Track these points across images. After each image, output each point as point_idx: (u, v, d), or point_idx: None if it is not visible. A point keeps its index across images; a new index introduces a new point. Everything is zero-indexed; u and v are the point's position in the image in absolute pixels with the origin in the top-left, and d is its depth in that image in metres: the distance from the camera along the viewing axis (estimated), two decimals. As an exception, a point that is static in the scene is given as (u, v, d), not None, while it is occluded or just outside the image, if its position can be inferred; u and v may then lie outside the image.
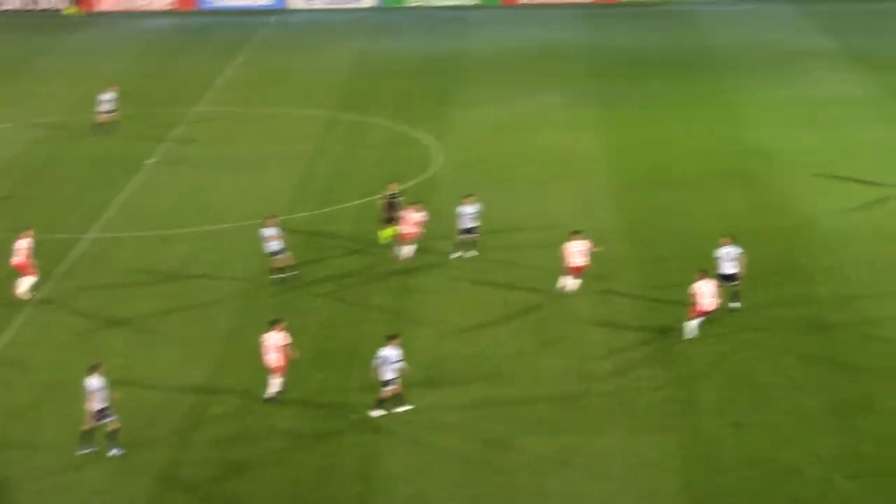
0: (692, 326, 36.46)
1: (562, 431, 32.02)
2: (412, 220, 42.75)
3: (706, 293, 36.26)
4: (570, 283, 40.06)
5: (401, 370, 32.61)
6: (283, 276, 41.35)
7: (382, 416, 32.56)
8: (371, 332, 37.24)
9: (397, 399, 32.82)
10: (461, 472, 30.43)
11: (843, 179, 50.99)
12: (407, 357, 33.09)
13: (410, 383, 33.45)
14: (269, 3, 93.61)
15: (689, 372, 34.88)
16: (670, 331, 37.26)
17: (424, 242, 43.56)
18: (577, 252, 39.76)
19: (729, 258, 38.49)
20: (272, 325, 33.89)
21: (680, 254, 43.25)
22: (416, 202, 44.09)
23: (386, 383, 32.53)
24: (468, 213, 42.99)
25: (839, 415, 32.38)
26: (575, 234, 40.33)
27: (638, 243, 44.38)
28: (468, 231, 43.04)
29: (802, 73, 69.53)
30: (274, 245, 41.42)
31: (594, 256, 40.20)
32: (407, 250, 42.97)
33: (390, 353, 32.54)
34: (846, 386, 33.88)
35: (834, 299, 39.33)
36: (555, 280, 40.46)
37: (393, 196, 44.58)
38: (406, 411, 32.83)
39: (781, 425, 31.90)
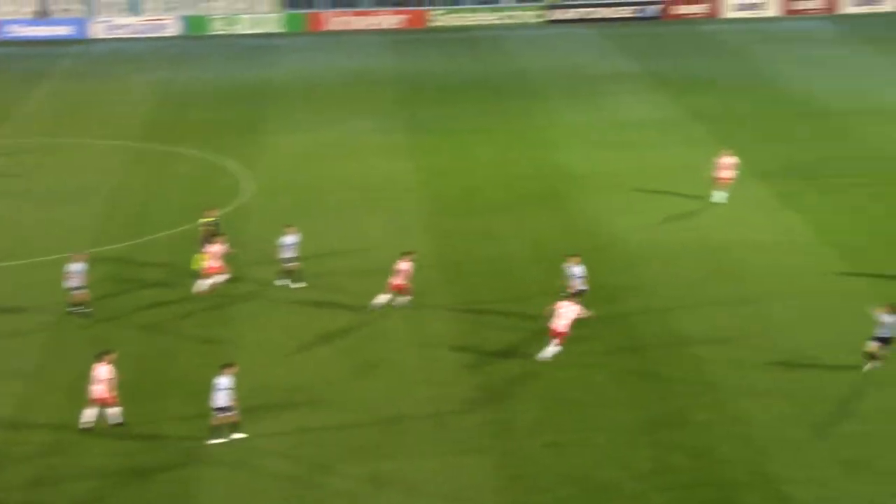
0: (550, 351, 36.75)
1: (380, 457, 31.86)
2: (214, 253, 42.21)
3: (563, 315, 36.59)
4: (384, 298, 40.40)
5: (233, 398, 32.26)
6: (80, 310, 40.39)
7: (212, 445, 32.10)
8: (186, 363, 36.61)
9: (233, 426, 32.44)
10: (281, 498, 30.03)
11: (647, 199, 52.14)
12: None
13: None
14: (70, 33, 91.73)
15: (504, 393, 35.08)
16: (484, 352, 37.49)
17: (239, 271, 43.03)
18: (402, 272, 40.06)
19: (578, 277, 39.42)
20: (99, 356, 33.04)
21: (491, 277, 43.63)
22: (218, 235, 43.50)
23: (220, 410, 32.12)
24: (289, 242, 42.61)
25: (653, 429, 32.93)
26: (406, 254, 40.62)
27: (450, 267, 44.57)
28: (289, 260, 42.66)
29: (606, 96, 71.06)
30: (74, 282, 40.49)
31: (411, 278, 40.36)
32: (207, 283, 42.28)
33: (224, 380, 32.17)
34: (658, 401, 34.49)
35: (642, 315, 40.08)
36: (367, 307, 40.53)
37: (210, 224, 44.13)
38: (236, 439, 32.44)
39: (597, 442, 32.29)
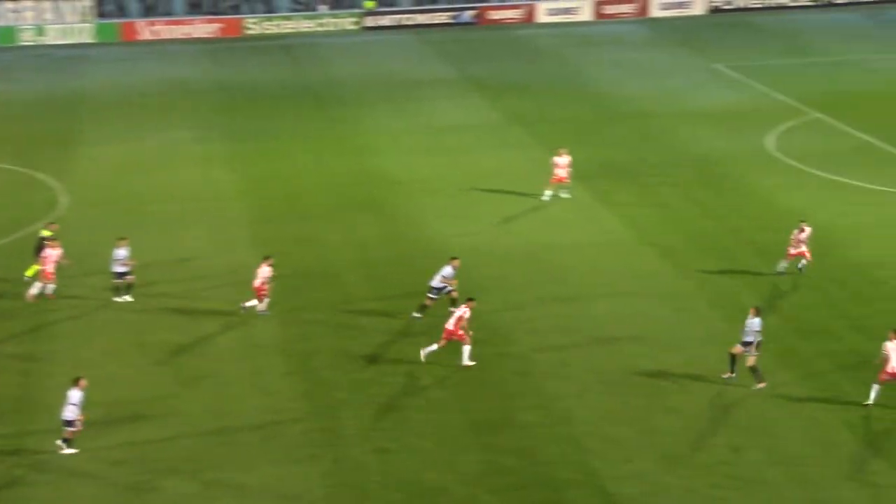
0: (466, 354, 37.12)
1: (209, 467, 31.56)
2: (50, 258, 41.55)
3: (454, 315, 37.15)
4: (251, 303, 40.52)
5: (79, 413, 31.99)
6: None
7: (22, 465, 31.50)
8: (2, 381, 35.84)
9: (68, 441, 32.07)
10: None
11: (469, 203, 52.64)
12: (41, 404, 31.91)
13: (48, 430, 32.31)
14: None
15: (331, 401, 35.06)
16: (311, 360, 37.43)
17: (62, 283, 42.14)
18: (262, 276, 40.17)
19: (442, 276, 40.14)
20: None
21: (315, 283, 43.55)
22: (51, 240, 42.69)
23: (69, 423, 31.87)
24: (120, 256, 41.81)
25: (479, 432, 33.28)
26: (266, 258, 40.82)
27: (275, 274, 44.32)
28: (122, 274, 41.84)
29: (424, 101, 71.47)
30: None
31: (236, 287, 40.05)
32: (40, 289, 41.54)
33: (74, 394, 31.91)
34: (485, 403, 34.86)
35: (474, 319, 40.36)
36: (193, 319, 40.14)
37: (49, 238, 43.08)
38: (62, 454, 32.05)
39: (425, 447, 32.50)
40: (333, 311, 41.18)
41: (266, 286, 40.50)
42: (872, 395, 34.05)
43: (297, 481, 30.94)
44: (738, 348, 35.65)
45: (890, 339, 34.19)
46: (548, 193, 52.84)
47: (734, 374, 35.64)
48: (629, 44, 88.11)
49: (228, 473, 31.32)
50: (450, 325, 36.94)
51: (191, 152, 61.32)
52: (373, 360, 37.63)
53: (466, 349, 36.91)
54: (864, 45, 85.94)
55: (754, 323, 35.56)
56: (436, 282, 40.30)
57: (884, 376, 34.03)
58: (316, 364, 37.30)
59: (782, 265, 44.07)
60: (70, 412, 31.91)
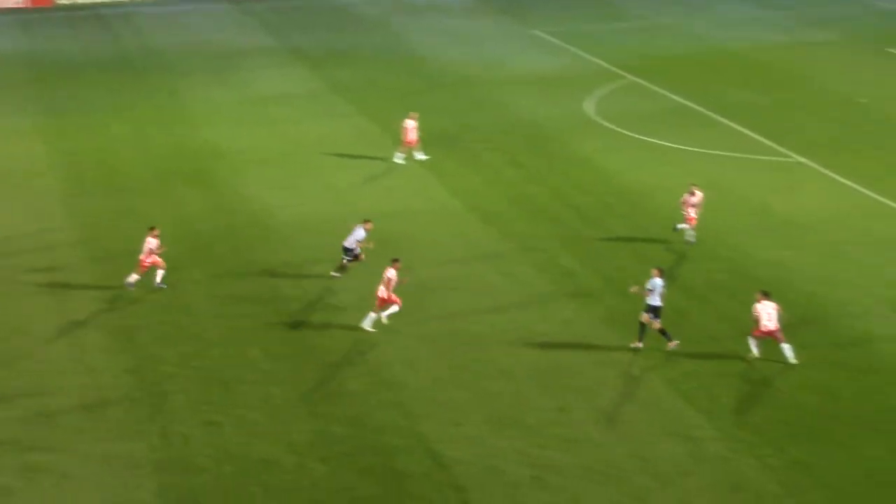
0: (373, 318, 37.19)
1: (31, 449, 30.88)
2: None
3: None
4: (133, 278, 39.98)
5: None
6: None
7: None
8: None
9: None
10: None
11: (296, 174, 52.41)
12: None
13: None
14: None
15: (156, 376, 34.64)
16: (133, 335, 36.93)
17: None
18: (148, 247, 39.79)
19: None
20: None
21: (137, 258, 42.91)
22: None
23: None
24: None
25: (309, 402, 33.25)
26: (151, 229, 40.30)
27: (94, 247, 43.56)
28: None
29: (247, 71, 70.78)
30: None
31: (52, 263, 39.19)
32: None
33: None
34: (313, 373, 34.83)
35: (297, 290, 40.31)
36: (9, 298, 39.29)
37: None
38: None
39: (254, 419, 32.35)
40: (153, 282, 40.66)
41: (152, 258, 39.74)
42: (753, 348, 35.03)
43: (125, 457, 30.50)
44: (645, 316, 35.75)
45: (758, 301, 35.04)
46: (399, 156, 53.32)
47: (641, 344, 35.77)
48: (451, 11, 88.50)
49: (54, 454, 30.72)
50: (381, 291, 37.10)
51: (1, 126, 59.68)
52: (199, 333, 37.27)
53: (394, 308, 37.29)
54: (676, 9, 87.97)
55: (657, 283, 35.75)
56: (349, 243, 40.84)
57: (757, 332, 34.99)
58: (141, 339, 36.79)
59: (689, 233, 44.05)
60: None
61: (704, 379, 34.28)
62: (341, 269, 41.10)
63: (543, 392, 33.67)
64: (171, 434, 31.64)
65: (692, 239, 44.12)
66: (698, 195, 44.23)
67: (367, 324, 37.27)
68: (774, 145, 55.59)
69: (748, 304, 35.91)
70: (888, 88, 65.09)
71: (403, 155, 53.43)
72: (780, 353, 34.91)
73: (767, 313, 34.82)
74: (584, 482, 29.31)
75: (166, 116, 61.49)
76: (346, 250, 40.96)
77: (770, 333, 34.84)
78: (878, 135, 57.14)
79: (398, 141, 53.76)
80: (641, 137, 56.72)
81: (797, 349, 35.32)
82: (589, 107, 62.21)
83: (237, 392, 33.78)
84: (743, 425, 31.77)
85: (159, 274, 40.06)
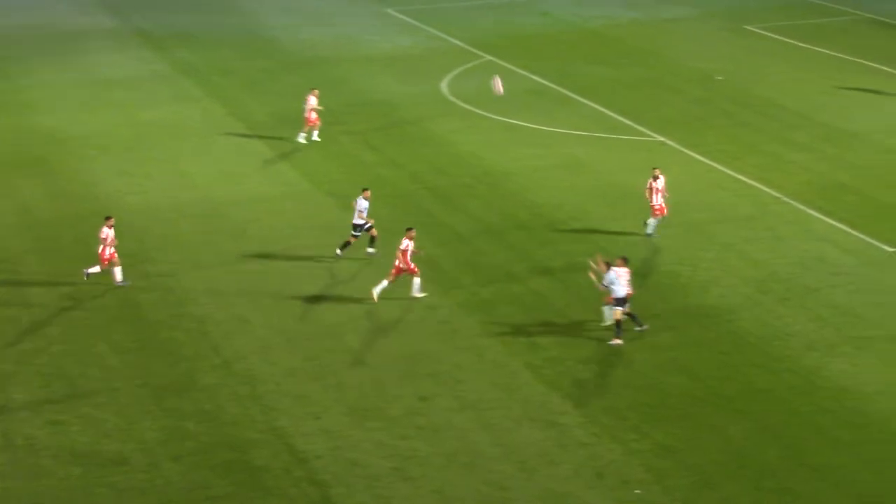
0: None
1: None
2: None
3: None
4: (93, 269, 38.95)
5: None
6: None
7: None
8: None
9: None
10: None
11: (142, 160, 51.44)
12: None
13: None
14: None
15: (-3, 374, 33.79)
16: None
17: None
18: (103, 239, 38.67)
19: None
20: None
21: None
22: None
23: None
24: None
25: (159, 397, 32.58)
26: (107, 219, 39.15)
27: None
28: None
29: (89, 53, 69.23)
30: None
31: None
32: None
33: None
34: (164, 369, 34.14)
35: (143, 280, 39.54)
36: None
37: None
38: None
39: (101, 417, 31.56)
40: (-4, 277, 39.60)
41: (108, 251, 38.69)
42: (606, 315, 35.62)
43: (-37, 463, 29.59)
44: (617, 312, 35.14)
45: (617, 265, 35.45)
46: (302, 136, 52.96)
47: (621, 341, 35.18)
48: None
49: None
50: (399, 261, 37.38)
51: None
52: (39, 327, 36.31)
53: (416, 281, 37.62)
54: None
55: (619, 273, 35.15)
56: (356, 219, 40.68)
57: (608, 300, 35.40)
58: (-24, 335, 35.76)
59: (651, 224, 42.99)
60: None
61: (568, 364, 34.39)
62: (345, 246, 41.07)
63: (403, 381, 33.46)
64: (12, 436, 30.72)
65: (652, 231, 43.01)
66: (661, 179, 42.92)
67: (376, 292, 37.38)
68: (634, 124, 56.10)
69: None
70: (745, 65, 66.14)
71: (304, 134, 53.02)
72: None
73: (626, 280, 35.14)
74: (447, 472, 29.15)
75: (2, 101, 59.82)
76: (356, 227, 40.72)
77: (624, 301, 35.15)
78: (735, 113, 58.01)
79: (246, 123, 53.02)
80: (500, 118, 56.79)
81: (663, 331, 35.71)
82: (444, 86, 62.14)
83: (83, 389, 32.96)
84: (607, 410, 31.90)
85: (118, 271, 38.88)
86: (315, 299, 38.40)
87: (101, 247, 38.79)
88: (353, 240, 41.04)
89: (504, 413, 31.84)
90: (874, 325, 36.55)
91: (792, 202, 46.48)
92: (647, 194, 43.27)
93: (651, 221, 43.07)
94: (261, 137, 53.90)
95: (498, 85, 31.00)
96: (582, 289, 38.79)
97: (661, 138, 54.14)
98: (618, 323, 35.33)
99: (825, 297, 38.37)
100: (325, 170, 50.43)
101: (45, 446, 30.30)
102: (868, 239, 42.92)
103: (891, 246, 42.38)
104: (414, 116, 57.33)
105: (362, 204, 40.98)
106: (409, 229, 38.13)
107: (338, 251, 41.15)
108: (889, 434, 30.83)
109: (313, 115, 53.04)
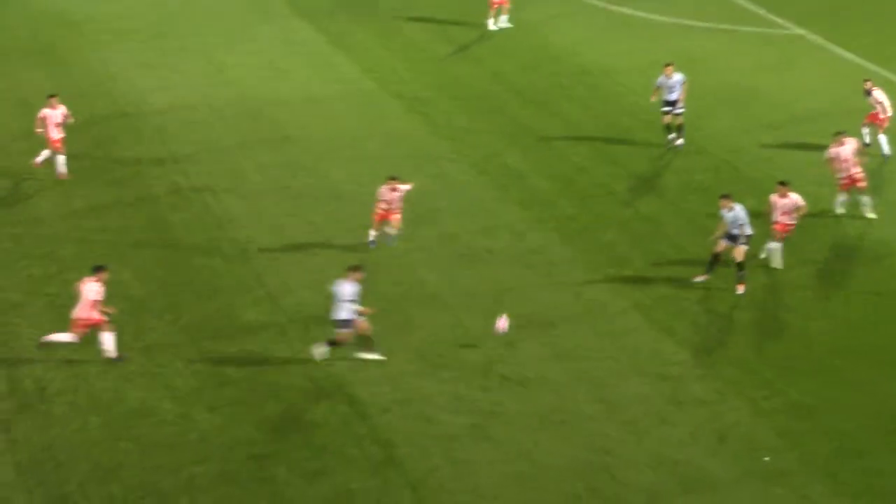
0: None
1: None
2: None
3: None
4: None
5: None
6: None
7: None
8: None
9: None
10: None
11: (167, 50, 51.89)
12: None
13: None
14: None
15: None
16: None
17: None
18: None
19: None
20: None
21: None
22: None
23: None
24: None
25: (192, 337, 32.85)
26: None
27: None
28: None
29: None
30: None
31: None
32: None
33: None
34: (198, 303, 34.48)
35: (168, 197, 39.97)
36: None
37: None
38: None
39: (125, 358, 32.02)
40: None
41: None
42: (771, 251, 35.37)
43: None
44: (721, 244, 35.05)
45: (780, 194, 35.61)
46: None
47: (708, 275, 35.33)
48: None
49: None
50: (381, 206, 36.74)
51: None
52: (51, 251, 36.90)
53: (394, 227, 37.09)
54: None
55: (740, 216, 34.72)
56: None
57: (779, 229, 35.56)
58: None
59: (838, 202, 39.14)
60: None
61: (684, 304, 34.38)
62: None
63: (486, 323, 33.56)
64: (20, 378, 31.22)
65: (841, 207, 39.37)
66: (849, 144, 38.66)
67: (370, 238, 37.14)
68: (766, 13, 55.63)
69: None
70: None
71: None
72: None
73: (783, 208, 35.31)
74: (538, 433, 29.21)
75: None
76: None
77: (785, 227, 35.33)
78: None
79: (302, 7, 53.02)
80: (603, 4, 56.48)
81: (801, 266, 35.67)
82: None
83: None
84: (732, 361, 31.91)
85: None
86: (376, 223, 38.52)
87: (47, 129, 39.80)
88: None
89: (607, 364, 31.89)
90: None
91: None
92: (831, 165, 38.98)
93: (840, 199, 39.14)
94: (310, 22, 53.96)
95: (502, 324, 31.52)
96: (698, 215, 38.69)
97: (800, 30, 53.65)
98: (715, 256, 35.23)
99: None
100: (388, 65, 50.49)
101: (59, 391, 30.75)
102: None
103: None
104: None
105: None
106: (393, 178, 36.88)
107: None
108: None
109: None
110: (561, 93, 48.00)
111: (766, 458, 28.45)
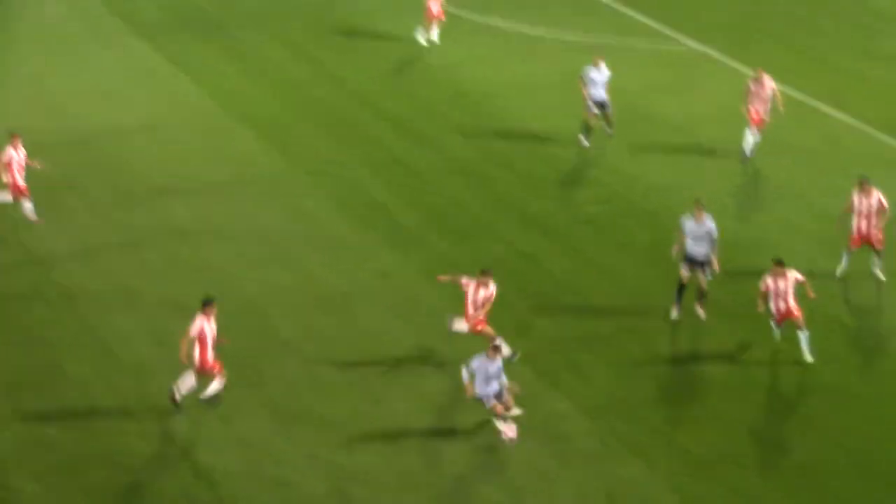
0: None
1: None
2: None
3: None
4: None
5: None
6: None
7: None
8: None
9: None
10: None
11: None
12: None
13: None
14: None
15: None
16: None
17: None
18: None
19: None
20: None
21: None
22: None
23: None
24: None
25: (13, 396, 32.49)
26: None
27: None
28: None
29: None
30: None
31: None
32: None
33: None
34: (18, 357, 34.12)
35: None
36: None
37: None
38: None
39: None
40: None
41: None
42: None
43: None
44: (684, 272, 35.50)
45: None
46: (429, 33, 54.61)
47: (677, 309, 35.84)
48: None
49: None
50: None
51: None
52: None
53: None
54: None
55: (712, 230, 35.10)
56: None
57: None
58: None
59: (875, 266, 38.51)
60: None
61: (571, 353, 34.69)
62: None
63: (346, 374, 33.53)
64: None
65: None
66: (876, 196, 37.74)
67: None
68: (661, 26, 56.29)
69: (629, 238, 36.33)
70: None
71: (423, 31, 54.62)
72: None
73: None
74: (405, 496, 29.23)
75: None
76: None
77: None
78: (803, 16, 58.25)
79: (139, 25, 53.01)
80: (483, 20, 56.91)
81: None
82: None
83: None
84: (622, 414, 32.21)
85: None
86: (223, 263, 38.33)
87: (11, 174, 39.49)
88: None
89: (484, 416, 31.91)
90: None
91: (870, 130, 47.02)
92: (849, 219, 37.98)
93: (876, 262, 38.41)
94: (147, 40, 53.91)
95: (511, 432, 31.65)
96: (586, 251, 39.10)
97: (698, 46, 54.30)
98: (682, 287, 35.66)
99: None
100: (238, 87, 50.53)
101: None
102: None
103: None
104: (363, 15, 57.43)
105: None
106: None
107: None
108: None
109: (436, 8, 53.65)
110: (434, 118, 48.18)
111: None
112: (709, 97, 50.31)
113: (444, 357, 34.25)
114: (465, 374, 30.94)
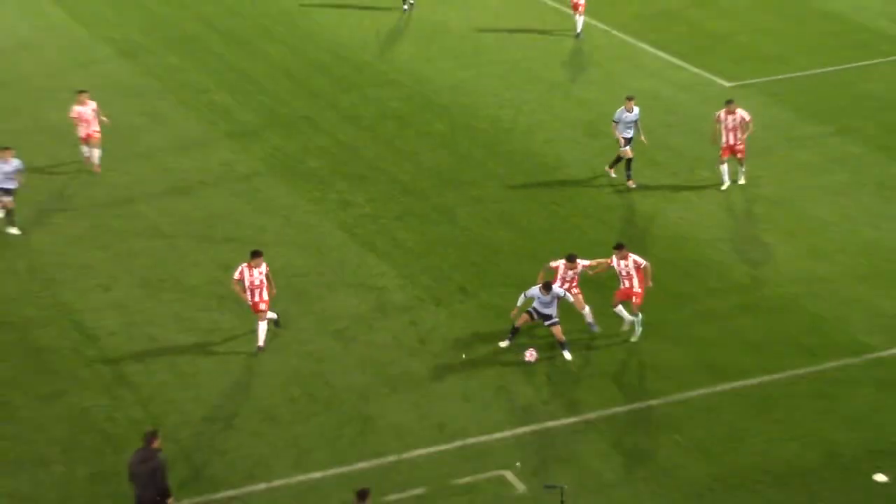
0: None
1: None
2: None
3: None
4: None
5: None
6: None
7: None
8: None
9: None
10: None
11: None
12: None
13: None
14: None
15: None
16: None
17: None
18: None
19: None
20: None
21: None
22: None
23: None
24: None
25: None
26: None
27: None
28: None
29: None
30: None
31: None
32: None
33: None
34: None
35: None
36: None
37: None
38: None
39: None
40: None
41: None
42: None
43: None
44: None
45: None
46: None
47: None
48: None
49: None
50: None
51: None
52: None
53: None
54: None
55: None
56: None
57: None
58: None
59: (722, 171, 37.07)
60: None
61: (383, 222, 34.97)
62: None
63: (199, 248, 33.60)
64: None
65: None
66: (738, 114, 36.48)
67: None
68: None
69: (427, 136, 36.62)
70: None
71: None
72: None
73: None
74: (254, 345, 29.37)
75: None
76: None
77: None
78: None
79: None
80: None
81: (488, 180, 36.40)
82: None
83: None
84: (429, 270, 32.66)
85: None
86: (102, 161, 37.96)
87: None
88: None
89: (316, 279, 32.24)
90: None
91: (621, 35, 47.69)
92: (717, 131, 36.84)
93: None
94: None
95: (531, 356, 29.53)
96: (394, 139, 39.34)
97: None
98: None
99: (660, 138, 39.23)
100: (95, 9, 49.94)
101: None
102: (703, 73, 44.35)
103: (726, 80, 43.76)
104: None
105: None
106: None
107: None
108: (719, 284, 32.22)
109: None
110: (263, 33, 47.94)
111: (464, 356, 29.18)
112: (487, 9, 50.50)
113: (282, 233, 34.56)
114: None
